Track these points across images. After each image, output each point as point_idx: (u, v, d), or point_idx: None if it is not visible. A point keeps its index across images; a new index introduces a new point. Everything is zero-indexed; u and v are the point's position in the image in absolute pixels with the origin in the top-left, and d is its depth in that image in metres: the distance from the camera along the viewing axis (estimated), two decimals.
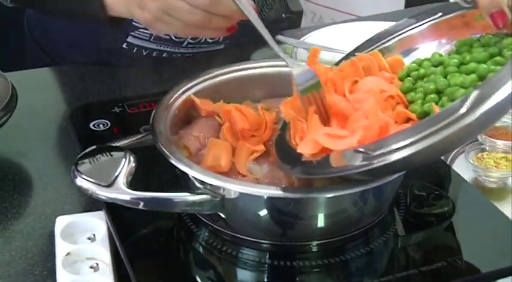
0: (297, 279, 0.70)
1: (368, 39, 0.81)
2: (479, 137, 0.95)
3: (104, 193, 0.64)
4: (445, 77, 0.70)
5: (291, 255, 0.70)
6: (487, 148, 0.93)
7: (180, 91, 0.79)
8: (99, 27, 1.01)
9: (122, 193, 0.64)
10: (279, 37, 1.21)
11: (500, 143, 0.93)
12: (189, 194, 0.66)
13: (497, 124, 0.97)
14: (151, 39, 1.14)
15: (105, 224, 0.75)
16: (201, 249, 0.72)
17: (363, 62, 0.75)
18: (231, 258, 0.70)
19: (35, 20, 1.25)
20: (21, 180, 0.88)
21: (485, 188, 0.90)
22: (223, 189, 0.65)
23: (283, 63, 0.78)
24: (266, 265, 0.70)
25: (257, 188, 0.65)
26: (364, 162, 0.59)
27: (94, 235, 0.74)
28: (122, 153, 0.68)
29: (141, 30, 1.12)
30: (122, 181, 0.65)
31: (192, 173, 0.66)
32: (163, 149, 0.68)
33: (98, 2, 0.87)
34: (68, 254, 0.72)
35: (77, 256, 0.72)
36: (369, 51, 0.78)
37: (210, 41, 1.16)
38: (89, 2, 0.88)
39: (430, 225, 0.76)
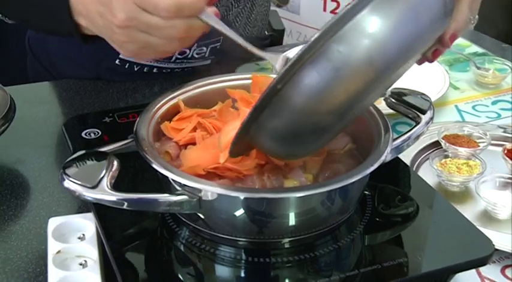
0: (271, 274, 0.70)
1: None
2: (443, 145, 0.96)
3: (89, 194, 0.65)
4: None
5: (265, 252, 0.71)
6: (450, 155, 0.94)
7: (164, 100, 0.80)
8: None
9: (106, 194, 0.65)
10: None
11: (462, 150, 0.94)
12: (168, 195, 0.66)
13: (460, 133, 0.99)
14: None
15: (94, 225, 0.76)
16: (182, 247, 0.72)
17: None
18: (209, 255, 0.71)
19: (35, 38, 1.27)
20: (18, 184, 0.89)
21: (448, 191, 0.91)
22: (200, 191, 0.66)
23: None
24: (242, 261, 0.70)
25: (231, 190, 0.66)
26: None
27: (84, 235, 0.75)
28: (106, 158, 0.69)
29: None
30: (106, 183, 0.65)
31: (171, 176, 0.66)
32: (145, 154, 0.69)
33: (70, 23, 0.80)
34: (59, 252, 0.72)
35: (67, 254, 0.73)
36: None
37: (196, 56, 1.17)
38: (62, 22, 0.81)
39: (395, 224, 0.77)
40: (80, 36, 0.83)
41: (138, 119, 0.76)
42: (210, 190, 0.65)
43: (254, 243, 0.71)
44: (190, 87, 0.83)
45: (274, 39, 1.38)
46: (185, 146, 0.75)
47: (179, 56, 1.16)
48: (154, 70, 1.17)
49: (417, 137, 0.79)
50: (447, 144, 0.96)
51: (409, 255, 0.70)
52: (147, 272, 0.69)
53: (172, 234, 0.73)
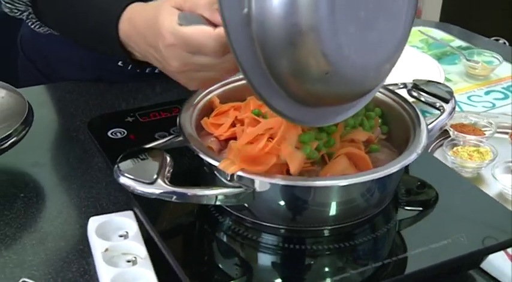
0: (311, 261, 0.72)
1: None
2: (451, 133, 1.01)
3: (147, 190, 0.66)
4: None
5: (305, 240, 0.73)
6: (461, 143, 0.99)
7: (202, 95, 0.82)
8: None
9: (164, 189, 0.66)
10: None
11: (472, 137, 0.99)
12: (227, 188, 0.69)
13: (466, 122, 1.04)
14: None
15: (135, 222, 0.77)
16: (225, 238, 0.74)
17: None
18: (252, 243, 0.73)
19: (28, 38, 1.25)
20: (41, 188, 0.89)
21: None
22: (254, 182, 0.68)
23: None
24: (283, 248, 0.72)
25: (287, 180, 0.68)
26: None
27: (127, 232, 0.76)
28: (159, 153, 0.70)
29: None
30: (163, 178, 0.67)
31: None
32: (197, 149, 0.71)
33: (122, 54, 0.86)
34: (106, 250, 0.73)
35: (113, 252, 0.74)
36: None
37: None
38: (114, 52, 0.87)
39: (421, 210, 0.79)
40: (135, 62, 0.87)
41: (178, 115, 0.77)
42: (265, 180, 0.68)
43: (295, 231, 0.73)
44: (228, 80, 0.84)
45: None
46: (226, 140, 0.77)
47: None
48: (156, 71, 1.18)
49: (441, 127, 0.82)
50: (455, 132, 1.00)
51: (451, 237, 0.72)
52: (205, 262, 0.72)
53: (215, 223, 0.75)
